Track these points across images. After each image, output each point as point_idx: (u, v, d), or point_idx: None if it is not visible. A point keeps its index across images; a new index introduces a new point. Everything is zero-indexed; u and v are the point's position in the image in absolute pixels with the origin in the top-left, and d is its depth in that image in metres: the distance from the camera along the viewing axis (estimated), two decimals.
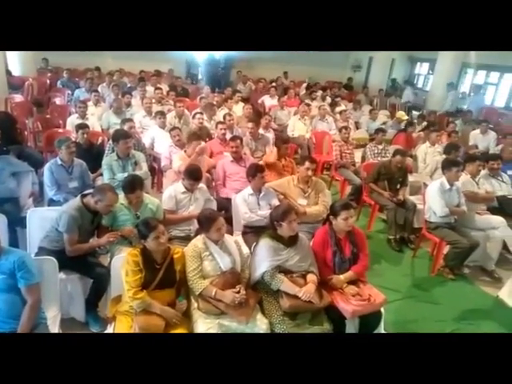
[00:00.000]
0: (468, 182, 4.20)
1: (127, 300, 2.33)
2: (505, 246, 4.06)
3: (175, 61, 11.70)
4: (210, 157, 4.64)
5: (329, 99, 9.27)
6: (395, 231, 4.52)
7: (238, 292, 2.44)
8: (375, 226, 4.95)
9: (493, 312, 3.55)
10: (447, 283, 3.91)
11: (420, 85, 13.83)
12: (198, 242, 2.55)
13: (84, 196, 2.87)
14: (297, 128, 6.97)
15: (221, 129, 4.83)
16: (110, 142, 4.35)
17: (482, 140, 6.75)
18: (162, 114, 5.42)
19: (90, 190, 2.93)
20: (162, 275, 2.38)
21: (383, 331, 2.87)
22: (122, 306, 2.40)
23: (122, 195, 3.04)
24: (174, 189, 3.40)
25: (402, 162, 4.68)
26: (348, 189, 5.72)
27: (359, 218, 5.17)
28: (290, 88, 10.16)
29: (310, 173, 3.66)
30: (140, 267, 2.33)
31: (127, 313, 2.34)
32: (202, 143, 4.10)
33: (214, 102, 6.89)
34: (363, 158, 5.76)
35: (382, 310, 2.74)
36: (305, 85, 11.52)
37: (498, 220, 4.07)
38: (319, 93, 10.03)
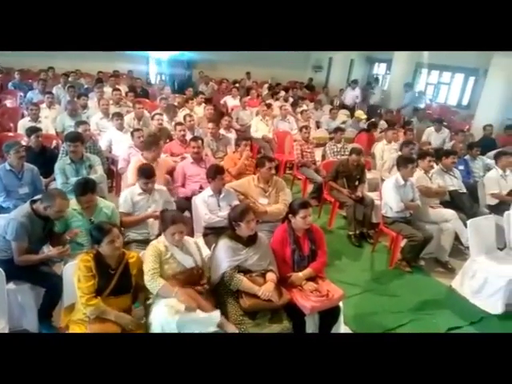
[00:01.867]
0: (422, 177, 4.37)
1: (80, 308, 2.25)
2: (457, 238, 4.26)
3: (136, 62, 11.46)
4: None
5: (291, 99, 9.38)
6: (355, 227, 4.63)
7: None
8: (336, 223, 5.05)
9: (447, 301, 3.71)
10: (404, 276, 4.04)
11: (378, 84, 14.25)
12: (159, 244, 2.51)
13: (34, 202, 2.74)
14: (259, 128, 7.00)
15: (180, 130, 4.77)
16: (64, 145, 4.19)
17: (436, 137, 7.05)
18: (119, 115, 5.28)
19: (40, 196, 2.80)
20: (117, 281, 2.31)
21: (343, 325, 2.94)
22: (75, 315, 2.31)
23: (74, 200, 2.93)
24: (130, 191, 3.34)
25: (359, 161, 4.81)
26: (310, 187, 5.81)
27: (321, 215, 5.26)
28: (252, 88, 10.21)
29: (272, 171, 3.73)
30: (93, 273, 2.25)
31: (81, 321, 2.26)
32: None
33: (175, 103, 6.79)
34: (323, 157, 5.87)
35: (341, 304, 2.80)
36: (267, 85, 11.59)
37: (450, 213, 4.26)
38: (282, 93, 10.15)
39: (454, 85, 11.73)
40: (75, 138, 3.86)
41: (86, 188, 2.89)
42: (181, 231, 2.48)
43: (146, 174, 3.28)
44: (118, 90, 6.98)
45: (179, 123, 5.04)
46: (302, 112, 7.61)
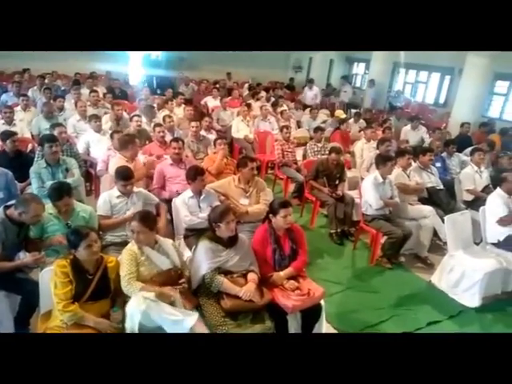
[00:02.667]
0: (400, 174, 4.44)
1: (57, 314, 2.20)
2: (435, 233, 4.34)
3: (114, 62, 11.29)
4: None
5: (272, 99, 9.41)
6: (336, 225, 4.67)
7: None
8: (318, 222, 5.08)
9: (426, 296, 3.78)
10: (385, 272, 4.10)
11: (358, 84, 14.46)
12: (134, 247, 2.48)
13: (7, 207, 2.67)
14: (240, 129, 6.99)
15: (159, 131, 4.72)
16: (39, 148, 4.10)
17: (413, 135, 7.17)
18: (96, 117, 5.20)
19: (14, 201, 2.73)
20: (95, 286, 2.27)
21: (325, 323, 2.97)
22: (52, 322, 2.26)
23: (50, 204, 2.87)
24: (108, 193, 3.29)
25: (338, 159, 4.87)
26: (292, 187, 5.84)
27: (302, 214, 5.30)
28: (234, 89, 10.20)
29: (254, 172, 3.74)
30: (70, 278, 2.21)
31: (58, 328, 2.21)
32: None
33: (155, 105, 6.72)
34: (304, 156, 5.90)
35: (322, 302, 2.82)
36: (247, 85, 11.60)
37: (428, 209, 4.34)
38: (263, 93, 10.17)
39: (431, 84, 11.98)
40: (53, 139, 3.78)
41: (61, 192, 2.83)
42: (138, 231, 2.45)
43: (124, 176, 3.23)
44: (96, 91, 6.86)
45: (158, 124, 4.99)
46: (282, 112, 7.64)
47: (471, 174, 4.84)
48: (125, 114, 5.95)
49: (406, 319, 3.40)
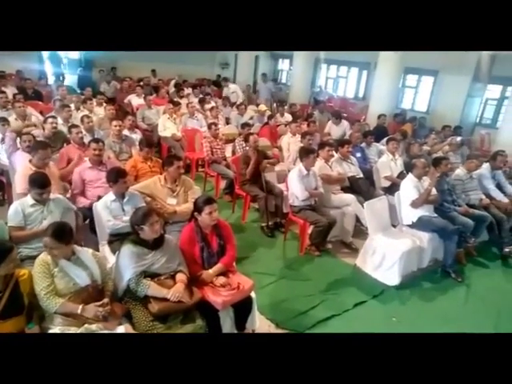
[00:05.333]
0: (323, 166, 4.65)
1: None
2: (358, 220, 4.62)
3: (26, 61, 10.41)
4: (67, 163, 4.26)
5: (201, 96, 9.32)
6: (267, 218, 4.77)
7: (102, 306, 2.30)
8: (250, 216, 5.15)
9: (353, 279, 4.01)
10: (314, 260, 4.28)
11: (284, 80, 14.83)
12: (47, 257, 2.31)
13: None
14: (167, 127, 6.84)
15: (76, 133, 4.45)
16: None
17: (336, 130, 7.53)
18: (4, 120, 4.76)
19: None
20: (6, 303, 2.09)
21: (257, 314, 3.03)
22: None
23: None
24: (20, 202, 3.00)
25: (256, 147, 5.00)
26: (223, 183, 5.84)
27: (234, 210, 5.33)
28: (160, 87, 9.91)
29: (181, 170, 3.68)
30: None
31: None
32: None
33: (72, 104, 6.32)
34: (233, 153, 5.94)
35: (253, 294, 2.87)
36: (173, 82, 11.36)
37: (350, 197, 4.61)
38: (190, 90, 10.02)
39: (351, 78, 12.67)
40: None
41: None
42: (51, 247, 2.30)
43: (40, 183, 2.98)
44: (3, 92, 6.28)
45: (74, 125, 4.69)
46: (211, 109, 7.61)
47: (387, 162, 5.22)
48: (36, 114, 5.52)
49: (335, 303, 3.57)
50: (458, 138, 6.60)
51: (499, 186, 5.09)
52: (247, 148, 5.12)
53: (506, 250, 4.51)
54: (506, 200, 4.90)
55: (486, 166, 5.11)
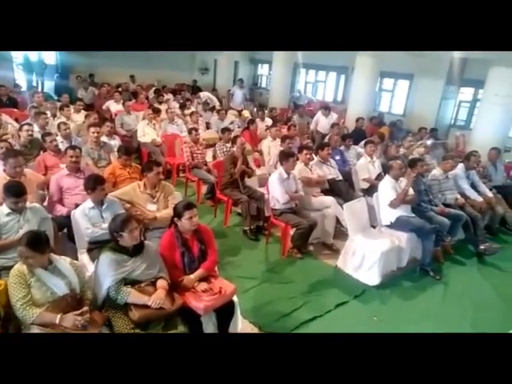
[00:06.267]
0: (302, 169, 4.70)
1: None
2: (338, 221, 4.67)
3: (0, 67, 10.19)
4: (45, 171, 4.19)
5: (181, 101, 9.30)
6: (250, 222, 4.78)
7: (81, 314, 2.26)
8: (232, 220, 5.15)
9: (334, 280, 4.05)
10: (296, 262, 4.30)
11: (264, 84, 14.92)
12: (23, 266, 2.26)
13: None
14: (146, 133, 6.79)
15: (51, 141, 4.37)
16: None
17: (325, 121, 7.68)
18: None
19: None
20: None
21: (240, 318, 3.03)
22: None
23: None
24: None
25: (243, 149, 5.07)
26: (204, 188, 5.83)
27: (216, 214, 5.33)
28: (139, 92, 9.84)
29: (160, 176, 3.66)
30: None
31: None
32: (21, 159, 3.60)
33: (48, 112, 6.21)
34: (214, 157, 5.94)
35: (235, 298, 2.87)
36: (154, 88, 11.30)
37: (330, 200, 4.67)
38: (170, 95, 9.99)
39: (329, 82, 12.86)
40: None
41: None
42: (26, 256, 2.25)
43: (15, 192, 2.91)
44: None
45: (47, 133, 4.61)
46: (191, 114, 7.59)
47: (365, 165, 5.31)
48: (11, 122, 5.40)
49: (317, 304, 3.60)
50: (429, 142, 6.81)
51: (473, 186, 5.25)
52: (234, 149, 5.13)
53: (482, 247, 4.63)
54: (480, 199, 5.07)
55: (460, 167, 5.26)
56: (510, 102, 6.68)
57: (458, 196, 4.95)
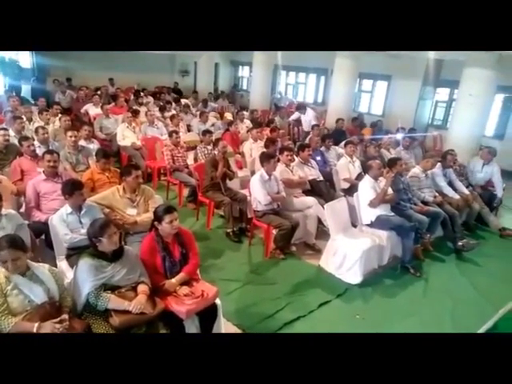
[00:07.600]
0: (284, 170, 4.73)
1: None
2: (320, 221, 4.71)
3: None
4: (22, 175, 4.10)
5: (161, 104, 9.23)
6: (233, 224, 4.77)
7: (60, 322, 2.21)
8: (215, 223, 5.13)
9: (316, 280, 4.07)
10: (279, 263, 4.32)
11: (245, 87, 14.96)
12: None
13: None
14: (126, 136, 6.71)
15: (28, 146, 4.27)
16: None
17: (303, 117, 7.77)
18: None
19: None
20: None
21: (223, 321, 3.02)
22: None
23: None
24: None
25: (225, 152, 5.05)
26: (186, 191, 5.80)
27: (199, 217, 5.30)
28: (119, 95, 9.73)
29: (140, 180, 3.62)
30: None
31: None
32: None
33: (23, 116, 6.07)
34: (195, 160, 5.91)
35: (218, 301, 2.86)
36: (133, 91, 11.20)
37: (311, 200, 4.70)
38: (150, 98, 9.90)
39: (309, 84, 12.97)
40: None
41: None
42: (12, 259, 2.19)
43: None
44: None
45: (24, 138, 4.51)
46: (171, 117, 7.54)
47: (345, 165, 5.38)
48: None
49: (300, 304, 3.62)
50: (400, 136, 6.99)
51: (451, 184, 5.38)
52: (215, 152, 5.11)
53: (460, 243, 4.74)
54: (457, 196, 5.20)
55: (438, 165, 5.38)
56: (482, 102, 6.87)
57: (436, 194, 5.06)
